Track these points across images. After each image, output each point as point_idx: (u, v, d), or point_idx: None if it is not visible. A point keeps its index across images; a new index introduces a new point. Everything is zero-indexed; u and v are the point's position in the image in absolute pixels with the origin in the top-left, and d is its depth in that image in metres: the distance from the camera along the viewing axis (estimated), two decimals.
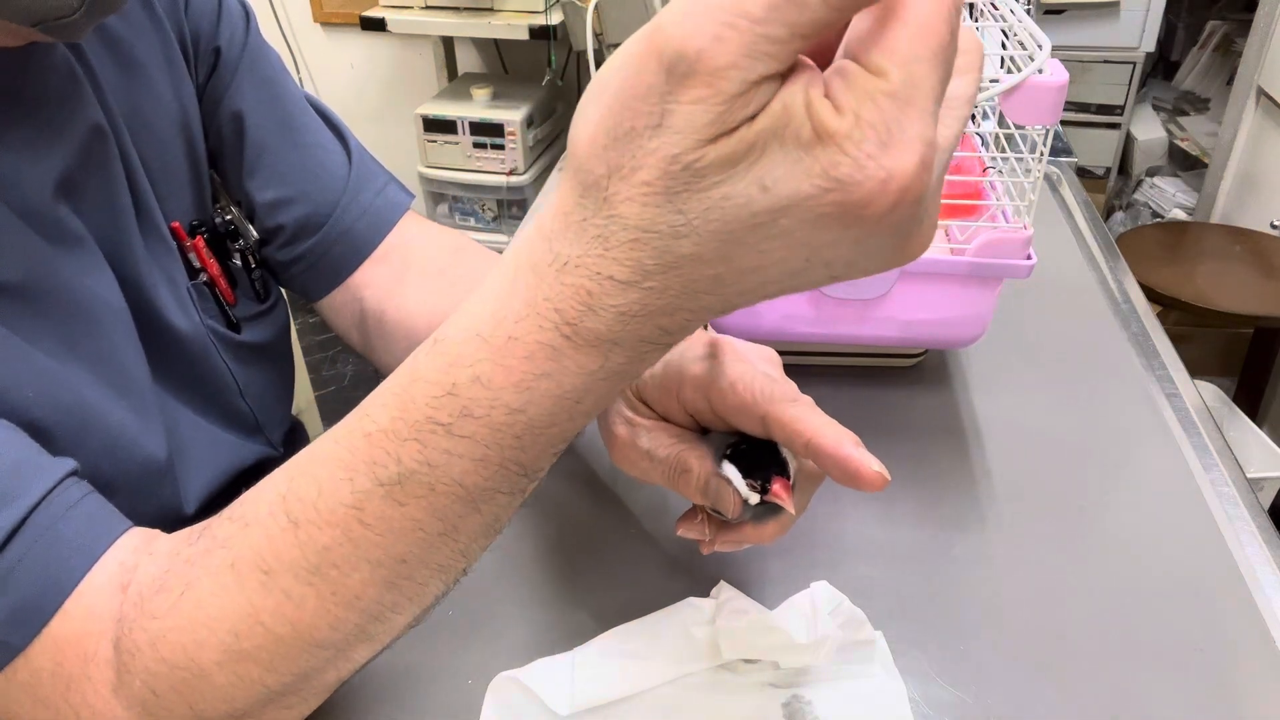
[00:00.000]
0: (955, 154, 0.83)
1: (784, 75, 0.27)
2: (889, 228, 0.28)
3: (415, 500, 0.35)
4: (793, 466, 0.46)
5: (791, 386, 0.47)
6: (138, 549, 0.43)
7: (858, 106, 0.26)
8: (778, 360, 0.50)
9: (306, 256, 0.68)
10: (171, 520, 0.58)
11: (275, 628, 0.38)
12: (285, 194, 0.66)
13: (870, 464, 0.42)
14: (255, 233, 0.67)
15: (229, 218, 0.66)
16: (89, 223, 0.54)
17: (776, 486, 0.45)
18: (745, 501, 0.46)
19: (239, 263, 0.67)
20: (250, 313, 0.67)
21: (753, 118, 0.27)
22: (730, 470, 0.46)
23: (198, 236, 0.63)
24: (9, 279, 0.49)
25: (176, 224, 0.62)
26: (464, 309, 0.34)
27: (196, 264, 0.63)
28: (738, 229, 0.28)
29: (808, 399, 0.46)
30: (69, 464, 0.45)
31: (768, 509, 0.47)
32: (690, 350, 0.49)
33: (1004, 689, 0.52)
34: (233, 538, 0.39)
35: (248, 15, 0.68)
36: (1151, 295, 1.76)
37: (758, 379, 0.47)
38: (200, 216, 0.64)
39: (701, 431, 0.50)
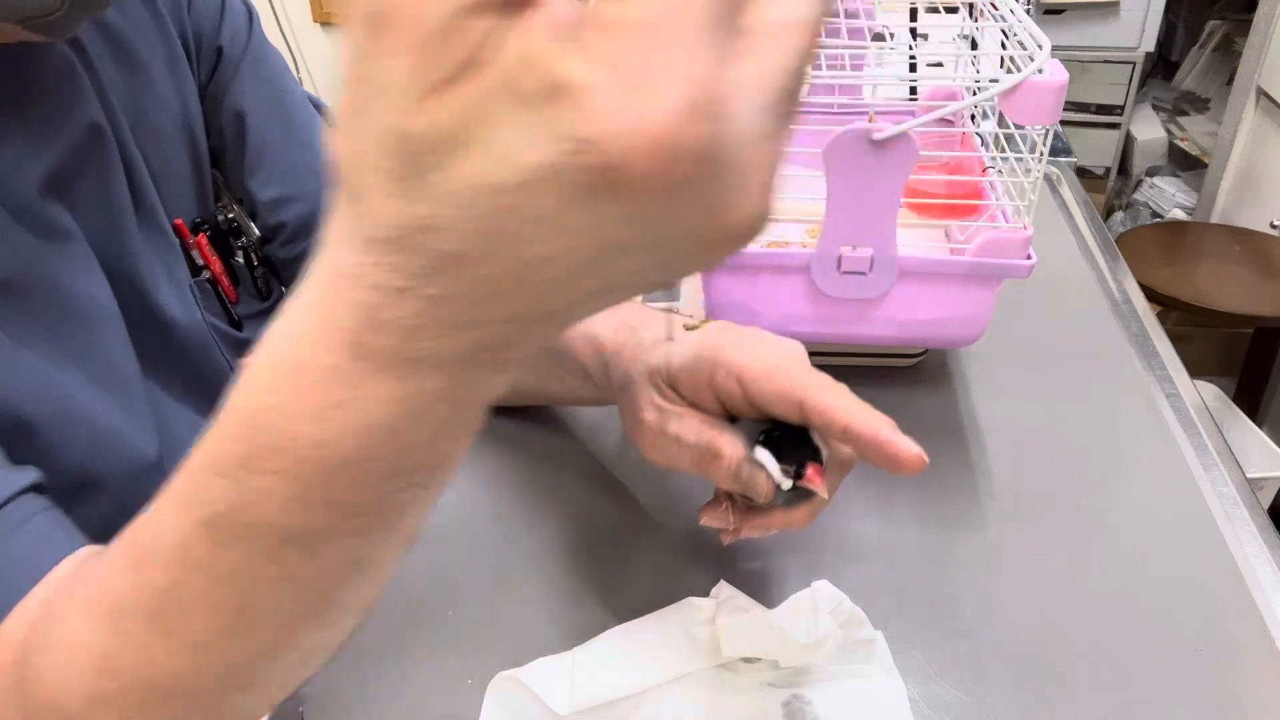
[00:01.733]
0: (954, 154, 0.83)
1: (501, 15, 0.22)
2: (669, 195, 0.22)
3: (238, 541, 0.32)
4: (825, 453, 0.47)
5: (825, 376, 0.48)
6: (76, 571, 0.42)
7: (596, 45, 0.21)
8: (805, 353, 0.51)
9: (308, 254, 0.68)
10: None
11: (132, 672, 0.35)
12: (287, 191, 0.67)
13: (909, 447, 0.43)
14: (257, 230, 0.68)
15: (231, 215, 0.67)
16: (81, 220, 0.54)
17: (811, 471, 0.46)
18: (778, 487, 0.46)
19: (241, 260, 0.67)
20: (253, 310, 0.68)
21: (465, 73, 0.22)
22: (764, 455, 0.46)
23: (200, 234, 0.63)
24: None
25: (179, 221, 0.62)
26: (269, 329, 0.30)
27: (199, 261, 0.64)
28: (489, 215, 0.23)
29: (843, 386, 0.47)
30: (28, 477, 0.44)
31: (799, 495, 0.47)
32: (723, 337, 0.50)
33: (1004, 689, 0.52)
34: (93, 572, 0.37)
35: (250, 15, 0.68)
36: (1151, 295, 1.76)
37: (793, 365, 0.47)
38: (202, 214, 0.65)
39: (729, 419, 0.50)
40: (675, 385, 0.51)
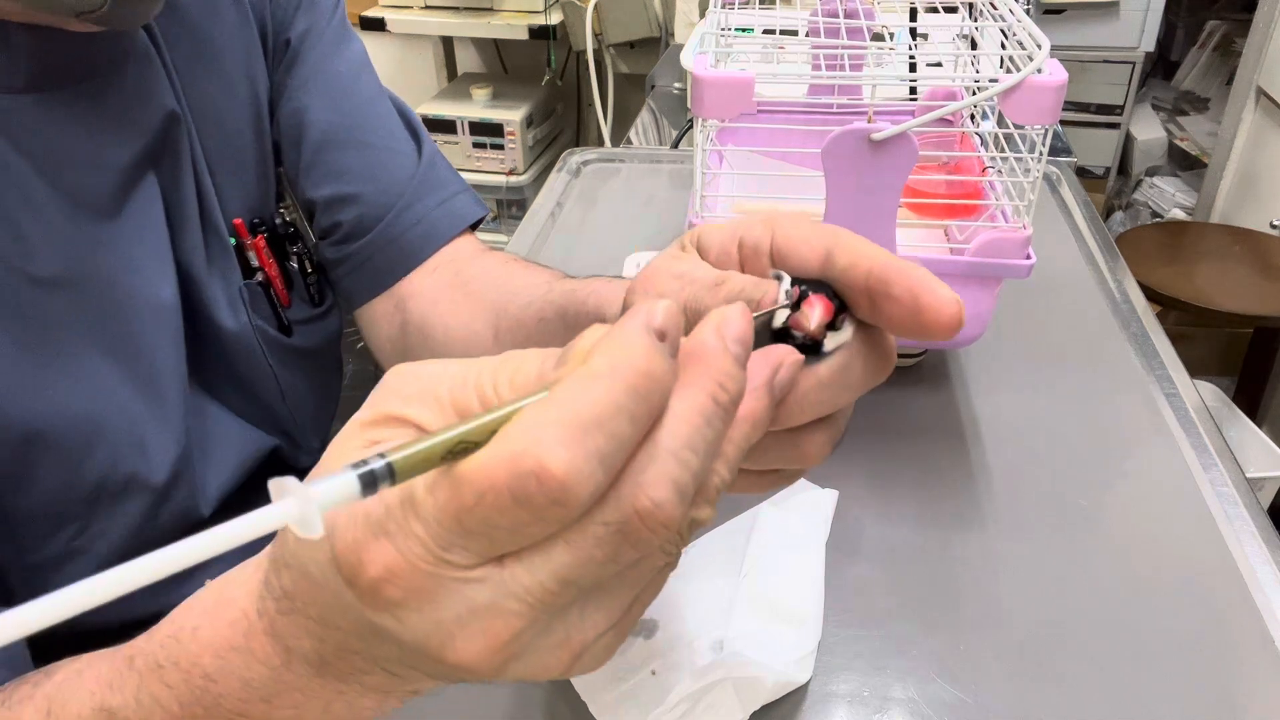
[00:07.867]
0: (954, 154, 0.83)
1: None
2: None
3: None
4: (848, 324, 0.37)
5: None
6: None
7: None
8: None
9: (352, 258, 0.65)
10: (190, 524, 0.57)
11: None
12: (343, 191, 0.64)
13: (946, 296, 0.32)
14: (314, 235, 0.65)
15: (290, 219, 0.65)
16: (152, 214, 0.53)
17: (813, 298, 0.36)
18: (771, 324, 0.37)
19: (295, 265, 0.65)
20: (303, 316, 0.65)
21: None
22: (777, 274, 0.38)
23: (259, 235, 0.61)
24: (48, 272, 0.48)
25: (239, 221, 0.60)
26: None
27: (254, 263, 0.62)
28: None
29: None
30: None
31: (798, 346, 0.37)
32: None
33: (1004, 689, 0.52)
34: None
35: (336, 4, 0.65)
36: (1151, 295, 1.76)
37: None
38: (262, 214, 0.62)
39: None
40: (701, 246, 0.42)
